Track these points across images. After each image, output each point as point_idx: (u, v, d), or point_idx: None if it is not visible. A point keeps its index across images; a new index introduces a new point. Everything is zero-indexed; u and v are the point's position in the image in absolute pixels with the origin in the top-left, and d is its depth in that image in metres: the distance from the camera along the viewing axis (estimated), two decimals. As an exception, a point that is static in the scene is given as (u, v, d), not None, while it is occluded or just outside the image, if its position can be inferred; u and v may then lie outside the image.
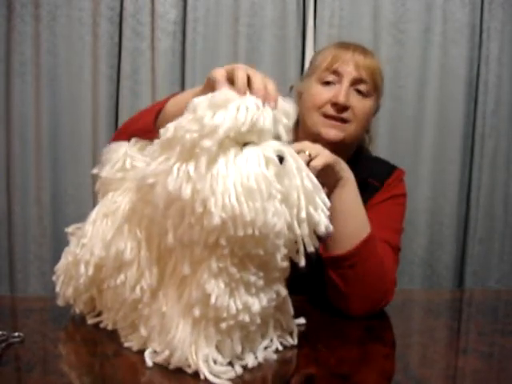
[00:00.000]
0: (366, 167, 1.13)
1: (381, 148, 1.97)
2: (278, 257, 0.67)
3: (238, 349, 0.68)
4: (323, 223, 0.69)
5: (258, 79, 0.71)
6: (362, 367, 0.73)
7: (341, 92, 1.05)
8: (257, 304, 0.67)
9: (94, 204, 0.89)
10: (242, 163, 0.63)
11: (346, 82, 1.06)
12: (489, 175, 2.03)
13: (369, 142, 1.25)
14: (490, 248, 2.07)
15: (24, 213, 1.92)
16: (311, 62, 1.18)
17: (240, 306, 0.65)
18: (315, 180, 0.71)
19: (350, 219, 0.91)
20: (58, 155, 1.94)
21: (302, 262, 0.70)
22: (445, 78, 1.99)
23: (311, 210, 0.68)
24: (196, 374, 0.65)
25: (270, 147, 0.67)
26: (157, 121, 0.89)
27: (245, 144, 0.66)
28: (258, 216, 0.61)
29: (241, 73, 0.71)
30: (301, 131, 1.15)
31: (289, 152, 0.68)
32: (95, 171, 0.88)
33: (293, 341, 0.77)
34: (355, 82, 1.07)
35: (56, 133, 1.94)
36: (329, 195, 0.79)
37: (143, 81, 1.92)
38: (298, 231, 0.68)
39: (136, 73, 1.92)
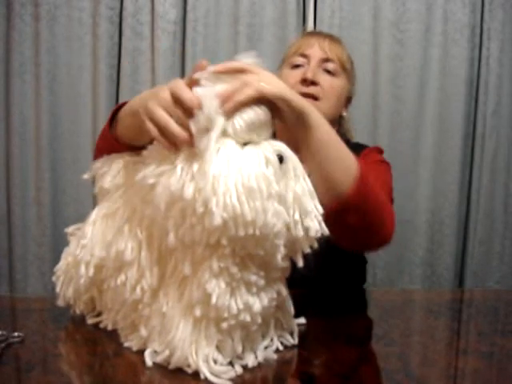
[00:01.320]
0: None
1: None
2: (279, 257, 0.67)
3: (239, 349, 0.68)
4: (314, 229, 0.69)
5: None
6: (361, 367, 0.73)
7: (308, 69, 1.11)
8: (258, 303, 0.67)
9: (94, 204, 0.88)
10: (243, 163, 0.63)
11: (313, 61, 1.12)
12: (489, 175, 2.03)
13: (349, 136, 1.26)
14: (490, 248, 2.07)
15: (24, 213, 1.93)
16: (283, 55, 1.24)
17: (241, 306, 0.65)
18: (310, 184, 0.70)
19: (333, 163, 0.78)
20: (57, 155, 1.94)
21: (300, 263, 0.70)
22: (445, 78, 1.99)
23: (302, 215, 0.68)
24: (196, 374, 0.65)
25: (270, 146, 0.67)
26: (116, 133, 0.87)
27: (245, 143, 0.66)
28: (259, 216, 0.61)
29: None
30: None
31: (288, 152, 0.68)
32: (86, 176, 0.87)
33: (293, 340, 0.77)
34: (322, 61, 1.13)
35: (56, 133, 1.94)
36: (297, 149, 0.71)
37: (143, 81, 1.92)
38: (294, 232, 0.68)
39: (136, 73, 1.92)
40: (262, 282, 0.67)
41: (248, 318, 0.66)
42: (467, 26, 1.97)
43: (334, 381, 0.68)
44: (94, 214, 0.84)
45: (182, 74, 1.94)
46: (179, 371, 0.66)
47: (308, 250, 0.70)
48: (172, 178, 0.63)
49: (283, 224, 0.65)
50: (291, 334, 0.78)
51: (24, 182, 1.92)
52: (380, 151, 1.20)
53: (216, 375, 0.64)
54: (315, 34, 1.20)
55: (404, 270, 2.04)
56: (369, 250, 0.89)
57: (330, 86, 1.12)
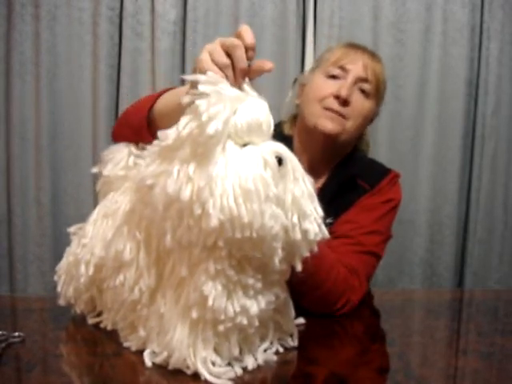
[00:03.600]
0: (357, 167, 1.13)
1: (381, 148, 1.97)
2: (276, 260, 0.67)
3: (236, 351, 0.68)
4: (313, 232, 0.68)
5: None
6: (361, 367, 0.73)
7: (345, 86, 1.05)
8: (255, 307, 0.66)
9: (94, 204, 0.89)
10: (241, 164, 0.63)
11: (350, 78, 1.06)
12: (489, 175, 2.03)
13: (366, 149, 1.24)
14: (489, 248, 2.07)
15: (24, 213, 1.92)
16: (318, 58, 1.19)
17: (238, 309, 0.65)
18: (310, 186, 0.70)
19: None
20: (57, 155, 1.94)
21: (299, 267, 0.70)
22: (445, 78, 1.99)
23: (300, 217, 0.67)
24: (196, 375, 0.65)
25: (269, 148, 0.66)
26: (149, 115, 0.87)
27: (244, 145, 0.66)
28: (256, 218, 0.61)
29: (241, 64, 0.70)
30: (298, 123, 1.15)
31: (287, 154, 0.68)
32: (95, 170, 0.89)
33: (293, 343, 0.77)
34: (360, 80, 1.08)
35: (56, 133, 1.94)
36: None
37: (143, 81, 1.92)
38: (292, 235, 0.67)
39: (136, 73, 1.92)
40: (259, 285, 0.67)
41: (245, 321, 0.66)
42: (467, 26, 1.97)
43: (333, 381, 0.68)
44: (95, 214, 0.84)
45: (183, 74, 1.94)
46: (179, 372, 0.66)
47: (307, 254, 0.69)
48: (169, 179, 0.63)
49: (281, 227, 0.65)
50: (291, 336, 0.77)
51: (24, 182, 1.92)
52: (394, 181, 1.16)
53: (216, 376, 0.64)
54: (360, 48, 1.12)
55: (404, 270, 2.04)
56: (323, 312, 0.92)
57: (361, 107, 1.08)
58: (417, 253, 2.03)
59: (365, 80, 1.08)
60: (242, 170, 0.62)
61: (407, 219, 2.00)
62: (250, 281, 0.66)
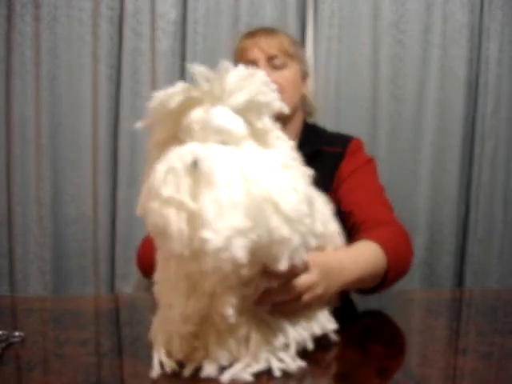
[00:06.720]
0: (320, 137, 1.23)
1: (381, 148, 1.97)
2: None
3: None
4: (213, 244, 0.57)
5: None
6: (361, 367, 0.73)
7: None
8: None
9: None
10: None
11: (261, 65, 1.15)
12: (488, 175, 2.03)
13: (314, 111, 1.31)
14: (489, 248, 2.06)
15: (24, 213, 1.92)
16: None
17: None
18: (234, 194, 0.59)
19: (369, 278, 0.91)
20: (58, 155, 1.94)
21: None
22: (444, 79, 1.99)
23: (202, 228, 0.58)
24: (196, 375, 0.65)
25: (189, 149, 0.61)
26: None
27: None
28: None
29: None
30: None
31: (211, 157, 0.60)
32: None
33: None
34: (268, 59, 1.16)
35: (56, 133, 1.94)
36: None
37: (143, 81, 1.92)
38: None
39: (136, 73, 1.92)
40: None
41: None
42: (466, 27, 1.97)
43: (334, 381, 0.68)
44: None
45: (182, 75, 1.94)
46: (179, 372, 0.66)
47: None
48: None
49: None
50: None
51: (24, 182, 1.92)
52: (362, 145, 1.26)
53: (216, 376, 0.64)
54: (250, 34, 1.21)
55: (404, 270, 2.04)
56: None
57: (284, 80, 1.16)
58: (416, 253, 2.03)
59: (271, 57, 1.16)
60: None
61: (407, 219, 2.00)
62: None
